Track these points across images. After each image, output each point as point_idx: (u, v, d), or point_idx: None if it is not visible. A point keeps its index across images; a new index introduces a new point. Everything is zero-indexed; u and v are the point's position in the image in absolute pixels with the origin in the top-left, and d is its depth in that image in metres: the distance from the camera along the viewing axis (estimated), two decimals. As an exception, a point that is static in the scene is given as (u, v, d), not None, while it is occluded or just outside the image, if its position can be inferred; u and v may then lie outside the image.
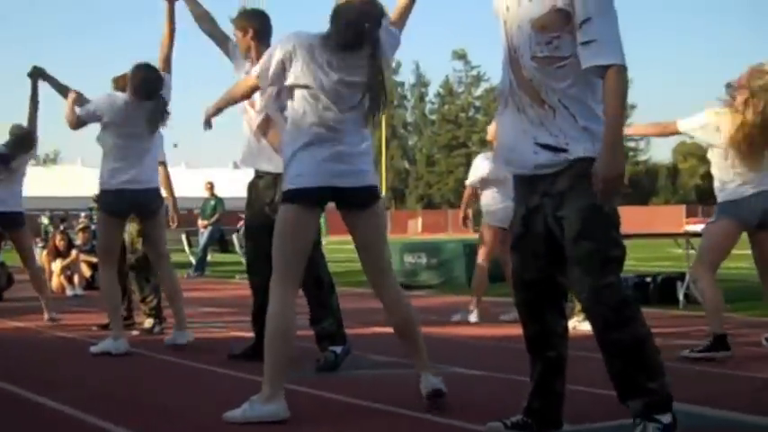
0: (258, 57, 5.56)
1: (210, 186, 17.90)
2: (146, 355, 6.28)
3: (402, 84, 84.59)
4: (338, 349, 5.48)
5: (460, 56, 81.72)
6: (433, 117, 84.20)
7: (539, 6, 3.48)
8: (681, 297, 9.36)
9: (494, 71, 77.28)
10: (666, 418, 3.44)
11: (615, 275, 3.47)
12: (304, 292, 5.65)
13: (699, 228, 30.42)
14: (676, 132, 6.05)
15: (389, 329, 4.51)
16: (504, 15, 3.64)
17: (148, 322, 7.50)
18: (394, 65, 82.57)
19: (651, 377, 3.45)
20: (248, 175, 5.95)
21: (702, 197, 73.68)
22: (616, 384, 3.53)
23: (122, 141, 6.30)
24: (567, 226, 3.47)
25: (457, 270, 12.45)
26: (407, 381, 4.60)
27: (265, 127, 5.65)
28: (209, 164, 75.44)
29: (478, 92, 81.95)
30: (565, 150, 3.48)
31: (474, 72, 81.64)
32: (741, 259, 8.74)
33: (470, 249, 12.23)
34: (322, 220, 5.79)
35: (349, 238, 4.48)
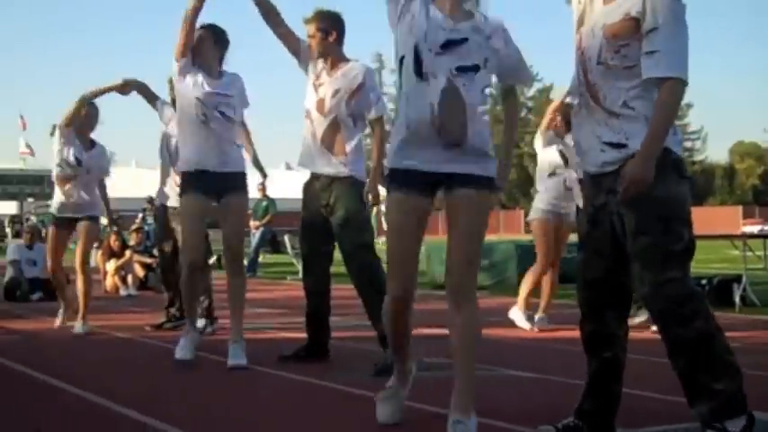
0: (337, 61, 5.58)
1: (263, 187, 17.95)
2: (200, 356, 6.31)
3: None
4: None
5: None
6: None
7: (613, 13, 3.46)
8: (737, 299, 9.20)
9: (546, 72, 76.95)
10: (736, 425, 3.31)
11: (679, 270, 3.39)
12: (359, 293, 5.63)
13: (756, 229, 29.96)
14: None
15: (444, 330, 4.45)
16: (579, 11, 3.63)
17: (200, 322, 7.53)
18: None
19: (717, 377, 3.33)
20: (301, 176, 5.97)
21: (759, 198, 72.51)
22: (684, 387, 3.42)
23: None
24: (627, 221, 3.44)
25: (509, 271, 12.35)
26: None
27: (332, 136, 5.64)
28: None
29: (531, 92, 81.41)
30: (625, 146, 3.45)
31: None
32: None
33: (522, 250, 12.15)
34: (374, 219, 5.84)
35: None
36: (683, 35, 3.39)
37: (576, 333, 3.77)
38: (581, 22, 3.60)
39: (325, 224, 5.70)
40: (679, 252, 3.40)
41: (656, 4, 3.35)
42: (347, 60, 5.68)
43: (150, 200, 17.53)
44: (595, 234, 3.61)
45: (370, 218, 5.84)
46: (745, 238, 10.80)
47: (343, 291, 6.68)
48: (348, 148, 5.63)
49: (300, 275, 6.52)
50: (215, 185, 5.74)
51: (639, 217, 3.41)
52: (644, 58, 3.38)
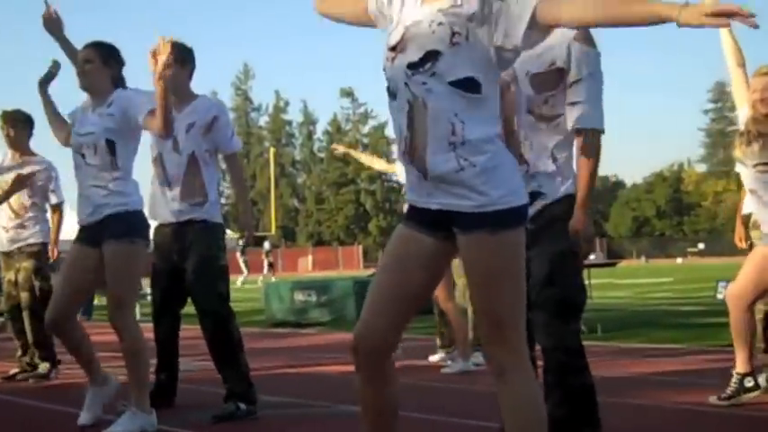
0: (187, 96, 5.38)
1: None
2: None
3: (290, 122, 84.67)
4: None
5: (348, 93, 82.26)
6: (322, 155, 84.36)
7: (538, 62, 3.51)
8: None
9: (381, 108, 78.11)
10: None
11: (578, 321, 3.52)
12: (212, 354, 5.35)
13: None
14: None
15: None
16: None
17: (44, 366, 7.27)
18: (282, 103, 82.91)
19: (594, 427, 3.49)
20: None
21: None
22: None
23: None
24: (534, 270, 3.41)
25: (348, 307, 12.46)
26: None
27: (188, 176, 5.32)
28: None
29: (366, 129, 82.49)
30: (541, 194, 3.53)
31: (361, 110, 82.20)
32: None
33: (360, 287, 12.28)
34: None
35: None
36: (602, 86, 3.54)
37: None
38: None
39: (179, 271, 5.33)
40: (581, 304, 3.53)
41: (580, 55, 3.47)
42: (196, 95, 5.48)
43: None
44: None
45: (226, 266, 5.40)
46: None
47: (190, 331, 6.55)
48: (207, 187, 5.35)
49: (138, 317, 6.34)
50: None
51: (551, 267, 3.44)
52: (568, 108, 3.50)
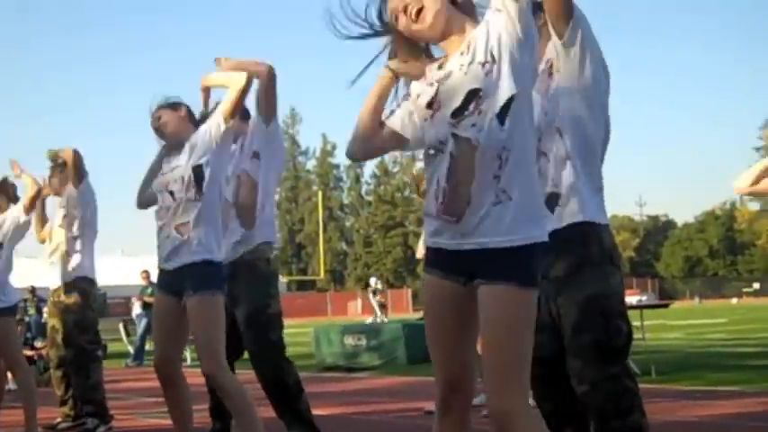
0: None
1: (147, 274, 17.74)
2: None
3: (338, 166, 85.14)
4: None
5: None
6: (370, 198, 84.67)
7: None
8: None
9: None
10: None
11: (618, 365, 3.38)
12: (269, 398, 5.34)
13: (634, 300, 30.84)
14: None
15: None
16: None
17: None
18: (329, 147, 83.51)
19: None
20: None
21: (636, 269, 74.81)
22: None
23: None
24: (565, 315, 3.39)
25: (398, 351, 12.44)
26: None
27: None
28: (145, 251, 74.28)
29: (414, 171, 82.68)
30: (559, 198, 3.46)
31: (408, 153, 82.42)
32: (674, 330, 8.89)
33: (409, 330, 12.25)
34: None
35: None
36: None
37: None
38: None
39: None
40: (620, 347, 3.39)
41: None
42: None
43: (32, 290, 17.02)
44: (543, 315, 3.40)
45: (279, 311, 5.31)
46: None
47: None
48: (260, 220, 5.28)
49: (188, 362, 6.37)
50: None
51: (580, 314, 3.35)
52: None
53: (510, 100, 2.78)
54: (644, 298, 42.94)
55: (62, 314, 7.03)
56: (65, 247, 6.99)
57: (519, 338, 2.75)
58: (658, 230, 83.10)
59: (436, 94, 2.87)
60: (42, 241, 7.35)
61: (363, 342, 12.79)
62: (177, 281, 4.63)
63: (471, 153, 2.78)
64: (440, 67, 2.93)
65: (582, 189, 3.44)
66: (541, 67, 3.46)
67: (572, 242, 3.41)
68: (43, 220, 7.38)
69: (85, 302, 7.00)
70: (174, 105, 4.88)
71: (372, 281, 33.32)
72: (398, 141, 3.09)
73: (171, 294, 4.67)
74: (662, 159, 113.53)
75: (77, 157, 6.91)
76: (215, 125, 4.69)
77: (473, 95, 2.78)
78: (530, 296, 2.77)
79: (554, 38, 3.44)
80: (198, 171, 4.66)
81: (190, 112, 4.90)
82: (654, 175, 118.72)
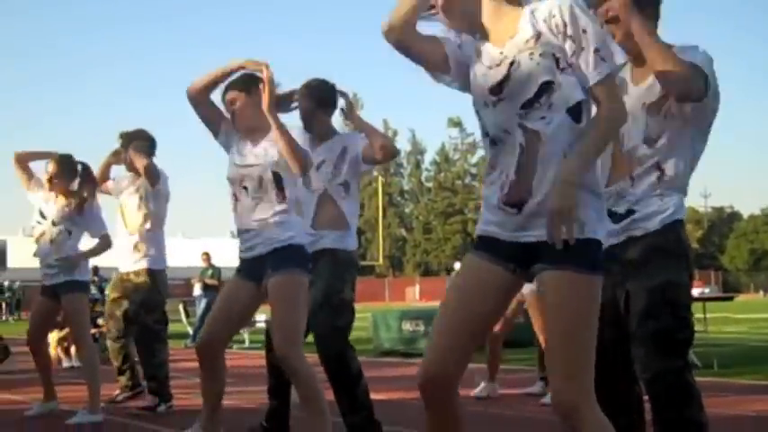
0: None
1: (207, 256, 17.94)
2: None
3: (398, 151, 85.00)
4: None
5: (456, 123, 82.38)
6: (430, 185, 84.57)
7: (650, 93, 3.46)
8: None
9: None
10: None
11: (681, 359, 3.40)
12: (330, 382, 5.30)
13: (696, 292, 30.31)
14: None
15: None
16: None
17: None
18: (390, 133, 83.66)
19: None
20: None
21: (698, 261, 73.72)
22: None
23: None
24: (634, 301, 3.41)
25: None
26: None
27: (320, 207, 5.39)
28: (206, 233, 75.24)
29: (474, 159, 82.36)
30: (634, 214, 3.49)
31: (470, 139, 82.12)
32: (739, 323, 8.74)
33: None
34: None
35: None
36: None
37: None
38: None
39: None
40: (684, 340, 3.41)
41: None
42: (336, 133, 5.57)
43: (95, 270, 17.35)
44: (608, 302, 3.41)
45: (351, 298, 5.33)
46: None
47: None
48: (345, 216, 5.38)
49: (246, 345, 6.42)
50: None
51: (649, 300, 3.37)
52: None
53: (580, 100, 2.77)
54: (707, 290, 42.25)
55: (130, 293, 7.18)
56: (137, 238, 7.15)
57: (587, 327, 2.76)
58: (723, 222, 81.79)
59: (506, 79, 2.81)
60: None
61: (421, 327, 12.78)
62: (258, 266, 4.67)
63: (537, 145, 2.76)
64: (491, 43, 2.87)
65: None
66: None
67: (649, 231, 3.42)
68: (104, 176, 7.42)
69: (154, 284, 7.14)
70: (248, 86, 4.78)
71: (457, 266, 33.24)
72: (437, 63, 2.99)
73: (249, 280, 4.71)
74: (728, 149, 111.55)
75: (150, 166, 7.02)
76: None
77: (546, 88, 2.76)
78: (596, 283, 2.76)
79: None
80: (277, 176, 4.69)
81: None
82: (720, 165, 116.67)
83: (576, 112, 2.77)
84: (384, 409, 5.80)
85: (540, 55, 2.76)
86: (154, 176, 7.03)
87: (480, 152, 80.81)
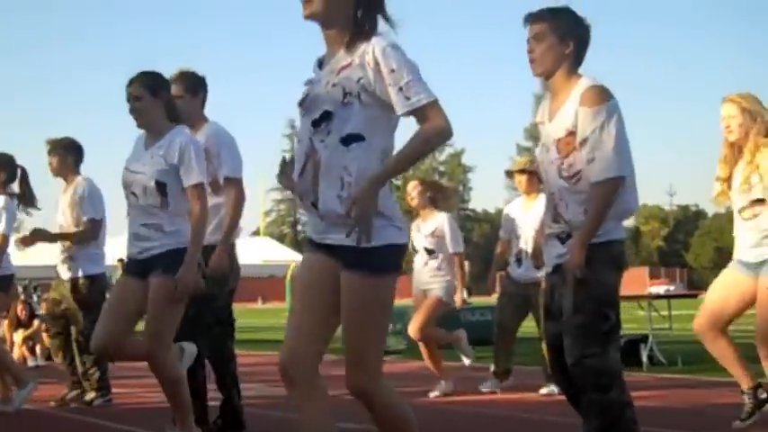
0: None
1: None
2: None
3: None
4: None
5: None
6: (398, 182, 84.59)
7: (559, 128, 3.91)
8: (644, 359, 9.41)
9: (457, 136, 78.06)
10: None
11: (599, 346, 3.83)
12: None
13: (662, 289, 30.62)
14: None
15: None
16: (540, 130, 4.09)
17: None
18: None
19: None
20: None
21: (664, 259, 74.43)
22: None
23: None
24: (565, 300, 3.93)
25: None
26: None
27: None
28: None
29: (443, 157, 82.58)
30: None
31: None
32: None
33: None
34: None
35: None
36: (612, 138, 3.77)
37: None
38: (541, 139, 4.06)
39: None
40: (604, 332, 3.87)
41: (582, 117, 3.78)
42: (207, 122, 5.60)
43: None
44: (552, 306, 4.08)
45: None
46: (651, 298, 11.06)
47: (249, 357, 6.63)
48: None
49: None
50: None
51: (576, 298, 3.86)
52: (585, 168, 3.83)
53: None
54: (672, 288, 42.67)
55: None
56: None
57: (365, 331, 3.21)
58: (688, 220, 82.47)
59: (305, 97, 3.22)
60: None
61: (389, 326, 12.78)
62: (144, 268, 4.79)
63: (317, 164, 3.14)
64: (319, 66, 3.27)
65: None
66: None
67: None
68: None
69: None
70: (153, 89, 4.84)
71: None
72: None
73: (138, 278, 4.81)
74: (694, 148, 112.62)
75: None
76: None
77: (327, 115, 3.11)
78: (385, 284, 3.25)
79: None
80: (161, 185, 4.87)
81: None
82: (685, 164, 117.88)
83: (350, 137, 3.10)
84: (350, 406, 5.80)
85: (333, 85, 3.11)
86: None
87: (448, 150, 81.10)
